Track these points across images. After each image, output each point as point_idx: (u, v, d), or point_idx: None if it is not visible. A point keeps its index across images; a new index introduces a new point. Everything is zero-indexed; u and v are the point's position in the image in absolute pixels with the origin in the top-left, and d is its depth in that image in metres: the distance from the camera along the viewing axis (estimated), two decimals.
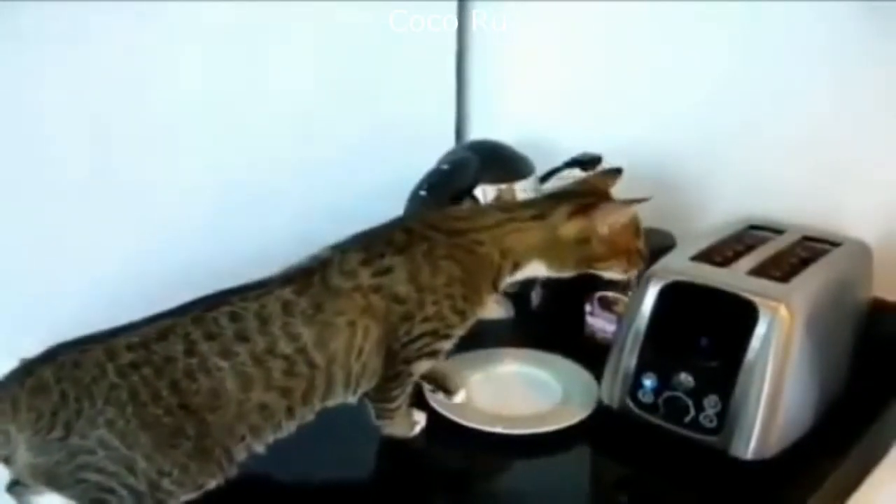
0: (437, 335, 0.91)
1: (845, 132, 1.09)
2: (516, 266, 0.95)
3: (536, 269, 0.96)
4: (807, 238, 1.02)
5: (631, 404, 0.94)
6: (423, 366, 0.93)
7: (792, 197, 1.12)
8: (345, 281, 0.88)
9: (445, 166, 1.15)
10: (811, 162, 1.12)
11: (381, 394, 0.92)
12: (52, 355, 0.81)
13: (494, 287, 0.95)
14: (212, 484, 0.83)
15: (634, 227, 0.98)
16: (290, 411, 0.86)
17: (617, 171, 1.02)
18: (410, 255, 0.89)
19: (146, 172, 1.07)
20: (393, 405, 0.93)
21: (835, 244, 1.01)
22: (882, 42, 1.04)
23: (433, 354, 0.93)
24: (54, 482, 0.80)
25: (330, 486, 0.91)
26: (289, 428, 0.88)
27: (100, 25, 0.97)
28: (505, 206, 0.99)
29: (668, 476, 0.91)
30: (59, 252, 1.01)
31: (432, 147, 1.25)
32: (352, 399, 0.91)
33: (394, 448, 0.95)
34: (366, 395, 0.92)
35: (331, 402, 0.89)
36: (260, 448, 0.86)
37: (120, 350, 0.80)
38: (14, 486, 0.84)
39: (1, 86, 0.93)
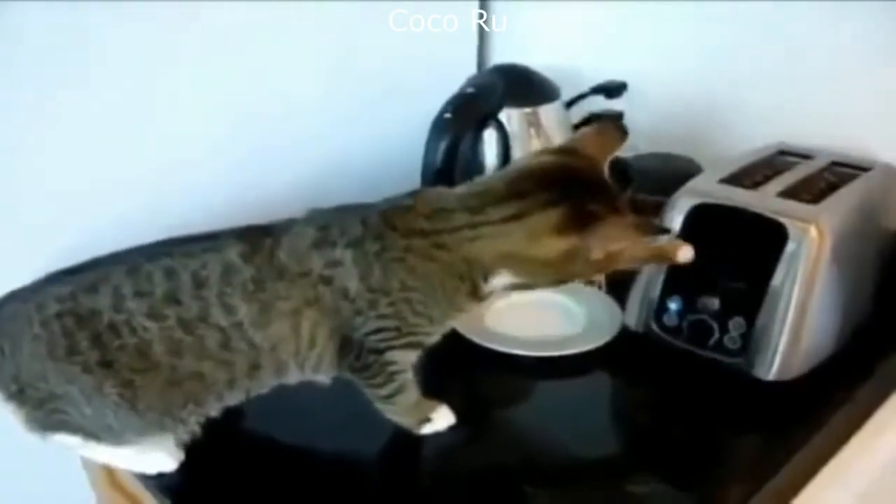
0: (400, 332, 0.80)
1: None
2: (486, 276, 0.80)
3: (504, 280, 0.81)
4: (836, 163, 1.01)
5: (655, 328, 0.94)
6: (399, 356, 0.81)
7: (821, 123, 1.10)
8: (293, 263, 0.78)
9: (471, 90, 1.14)
10: (840, 87, 1.10)
11: (363, 381, 0.83)
12: None
13: (476, 296, 0.81)
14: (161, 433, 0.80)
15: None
16: (231, 383, 0.79)
17: (622, 132, 0.85)
18: (362, 251, 0.78)
19: (178, 109, 1.06)
20: (382, 392, 0.83)
21: (864, 169, 1.00)
22: None
23: (410, 346, 0.81)
24: (49, 428, 0.78)
25: (350, 412, 0.89)
26: (236, 398, 0.81)
27: None
28: (476, 205, 0.79)
29: (689, 397, 0.92)
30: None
31: (455, 73, 1.23)
32: (323, 378, 0.83)
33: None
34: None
35: (292, 380, 0.82)
36: (213, 413, 0.81)
37: (49, 301, 0.76)
38: None
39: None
